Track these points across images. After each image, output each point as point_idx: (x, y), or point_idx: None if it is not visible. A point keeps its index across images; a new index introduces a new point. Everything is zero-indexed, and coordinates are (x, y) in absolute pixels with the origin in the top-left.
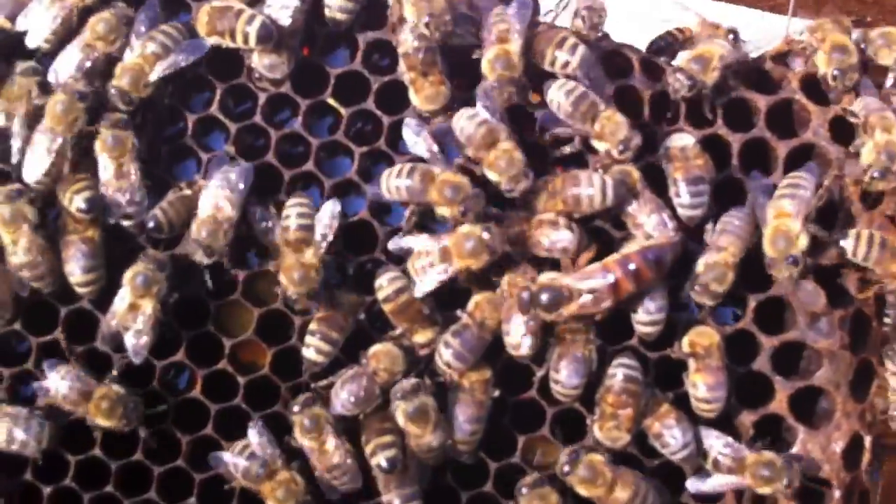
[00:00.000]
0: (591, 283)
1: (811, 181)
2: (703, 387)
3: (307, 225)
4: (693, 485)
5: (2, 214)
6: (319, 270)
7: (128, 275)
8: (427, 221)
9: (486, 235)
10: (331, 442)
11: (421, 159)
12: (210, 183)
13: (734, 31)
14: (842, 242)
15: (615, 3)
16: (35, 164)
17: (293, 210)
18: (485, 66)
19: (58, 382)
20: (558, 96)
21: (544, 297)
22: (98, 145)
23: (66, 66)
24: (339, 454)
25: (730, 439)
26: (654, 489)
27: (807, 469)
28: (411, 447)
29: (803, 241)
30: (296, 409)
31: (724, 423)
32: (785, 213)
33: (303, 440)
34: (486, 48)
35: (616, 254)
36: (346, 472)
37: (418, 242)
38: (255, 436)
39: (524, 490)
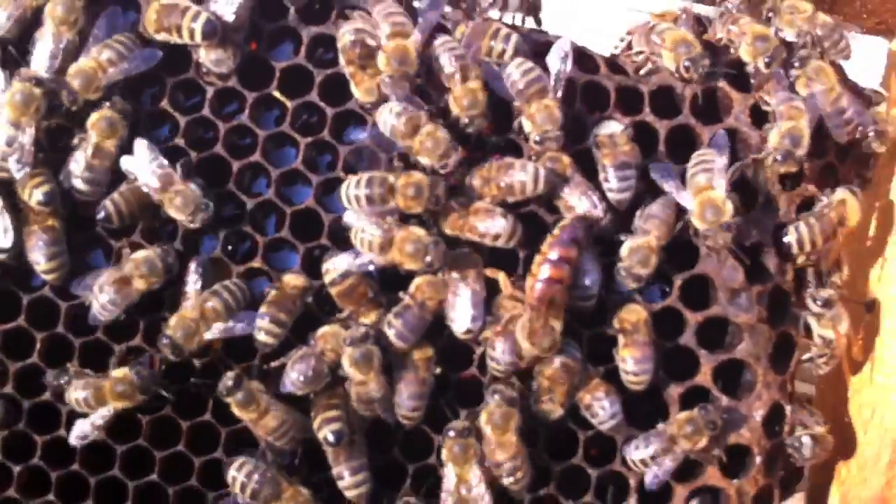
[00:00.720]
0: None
1: (719, 154)
2: (630, 361)
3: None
4: (627, 452)
5: None
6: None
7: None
8: None
9: (432, 246)
10: (269, 409)
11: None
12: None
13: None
14: (785, 240)
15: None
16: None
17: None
18: (381, 61)
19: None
20: (515, 73)
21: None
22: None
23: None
24: (275, 417)
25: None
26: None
27: (728, 431)
28: (353, 398)
29: (730, 207)
30: (227, 389)
31: (653, 395)
32: (704, 187)
33: (243, 414)
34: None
35: (538, 255)
36: (286, 430)
37: (362, 223)
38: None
39: (451, 433)
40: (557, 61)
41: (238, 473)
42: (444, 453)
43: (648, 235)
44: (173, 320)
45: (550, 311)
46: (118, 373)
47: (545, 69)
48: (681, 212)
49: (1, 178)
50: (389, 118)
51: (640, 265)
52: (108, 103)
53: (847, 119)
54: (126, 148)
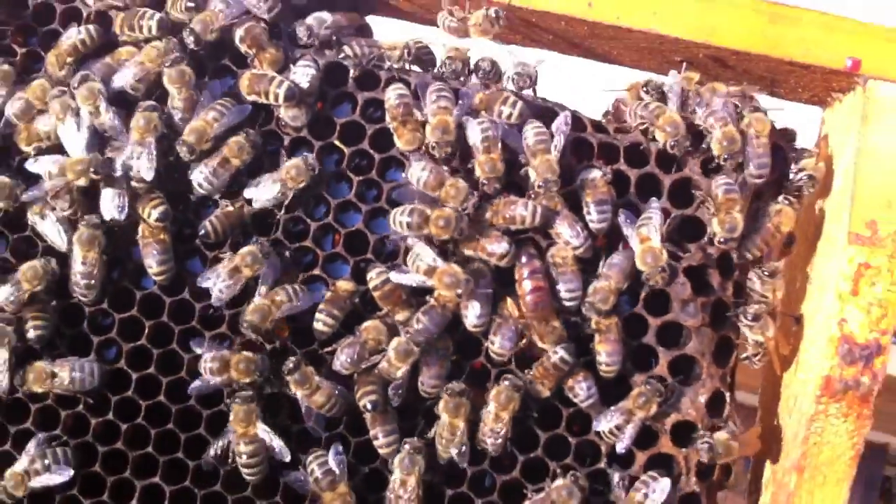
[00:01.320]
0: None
1: (657, 212)
2: (604, 353)
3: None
4: (597, 425)
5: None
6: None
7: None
8: None
9: (464, 282)
10: (319, 387)
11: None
12: None
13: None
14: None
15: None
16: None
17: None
18: (428, 131)
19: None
20: (529, 133)
21: None
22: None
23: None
24: (323, 394)
25: (610, 412)
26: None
27: (678, 409)
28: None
29: (665, 255)
30: (288, 370)
31: (621, 381)
32: (646, 238)
33: (298, 391)
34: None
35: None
36: (332, 405)
37: (421, 251)
38: (333, 455)
39: (449, 392)
40: (561, 126)
41: (311, 463)
42: (441, 405)
43: (609, 280)
44: (251, 307)
45: (546, 314)
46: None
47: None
48: None
49: None
50: (421, 175)
51: (601, 302)
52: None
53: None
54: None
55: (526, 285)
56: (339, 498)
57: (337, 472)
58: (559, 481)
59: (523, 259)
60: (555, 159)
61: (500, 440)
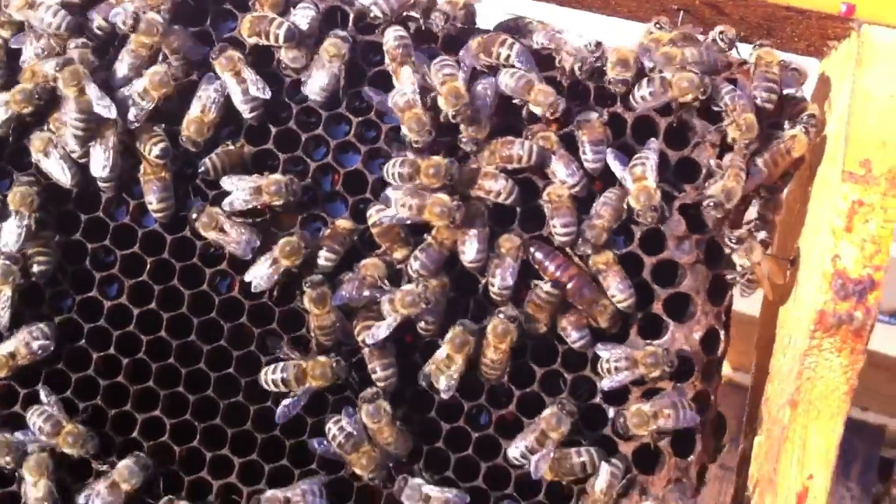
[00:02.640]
0: None
1: (653, 152)
2: (613, 287)
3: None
4: (604, 384)
5: None
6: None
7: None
8: None
9: (455, 208)
10: (331, 311)
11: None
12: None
13: None
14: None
15: None
16: None
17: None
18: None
19: None
20: (506, 80)
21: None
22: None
23: None
24: (331, 318)
25: (620, 351)
26: None
27: (677, 353)
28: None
29: (658, 195)
30: (312, 284)
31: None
32: (641, 177)
33: (312, 308)
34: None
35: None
36: (334, 330)
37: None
38: (347, 417)
39: (459, 328)
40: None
41: (332, 426)
42: (447, 337)
43: (602, 218)
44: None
45: (592, 296)
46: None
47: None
48: None
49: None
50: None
51: (594, 238)
52: None
53: None
54: None
55: (563, 281)
56: (364, 456)
57: (355, 433)
58: (547, 410)
59: (540, 255)
60: (547, 87)
61: (498, 371)
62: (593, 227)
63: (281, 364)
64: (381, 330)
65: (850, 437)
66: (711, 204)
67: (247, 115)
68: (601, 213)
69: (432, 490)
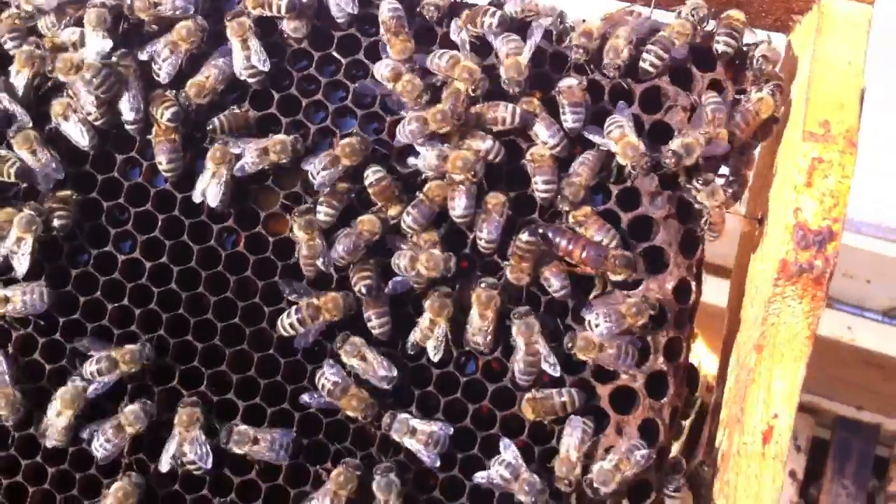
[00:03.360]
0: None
1: (624, 116)
2: (597, 237)
3: None
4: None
5: None
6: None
7: None
8: None
9: (477, 165)
10: (319, 238)
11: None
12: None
13: None
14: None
15: None
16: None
17: None
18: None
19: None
20: (499, 45)
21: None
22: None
23: None
24: (320, 243)
25: (604, 308)
26: None
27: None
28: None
29: (643, 145)
30: (300, 212)
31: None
32: (621, 136)
33: (300, 233)
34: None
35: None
36: (321, 255)
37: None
38: (329, 368)
39: (435, 294)
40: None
41: (321, 379)
42: (427, 304)
43: (580, 177)
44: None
45: (607, 265)
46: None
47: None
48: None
49: None
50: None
51: (572, 195)
52: None
53: None
54: None
55: (576, 252)
56: (353, 398)
57: (341, 380)
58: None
59: (550, 234)
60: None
61: (488, 337)
62: (571, 184)
63: (293, 308)
64: (399, 283)
65: (846, 435)
66: (669, 154)
67: (245, 79)
68: (579, 171)
69: (418, 423)
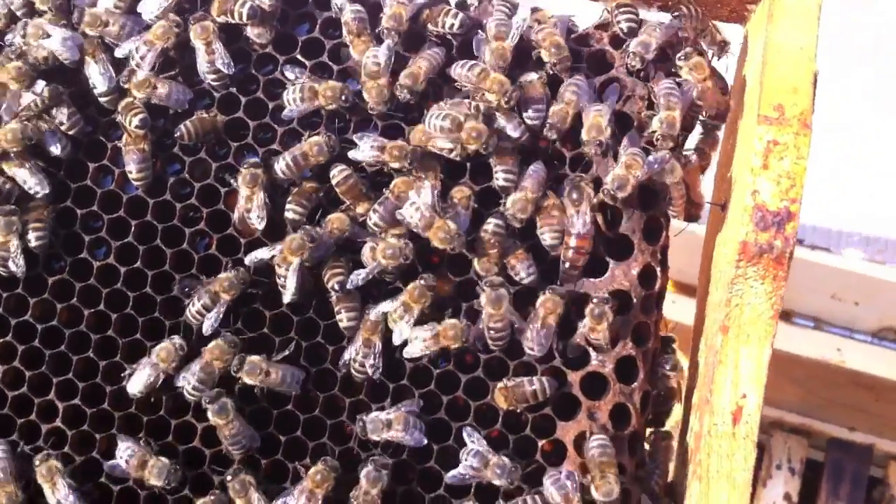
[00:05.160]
0: None
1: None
2: (547, 232)
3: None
4: None
5: None
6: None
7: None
8: None
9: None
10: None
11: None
12: None
13: None
14: None
15: None
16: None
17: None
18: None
19: None
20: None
21: None
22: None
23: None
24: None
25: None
26: None
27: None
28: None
29: (608, 132)
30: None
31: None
32: (599, 116)
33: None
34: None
35: None
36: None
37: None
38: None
39: (423, 279)
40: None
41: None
42: (407, 289)
43: (525, 191)
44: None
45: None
46: None
47: None
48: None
49: None
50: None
51: (520, 212)
52: None
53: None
54: None
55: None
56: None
57: None
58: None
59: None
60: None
61: (504, 335)
62: (518, 201)
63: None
64: (360, 276)
65: (839, 456)
66: (659, 137)
67: (208, 83)
68: (524, 185)
69: (387, 414)
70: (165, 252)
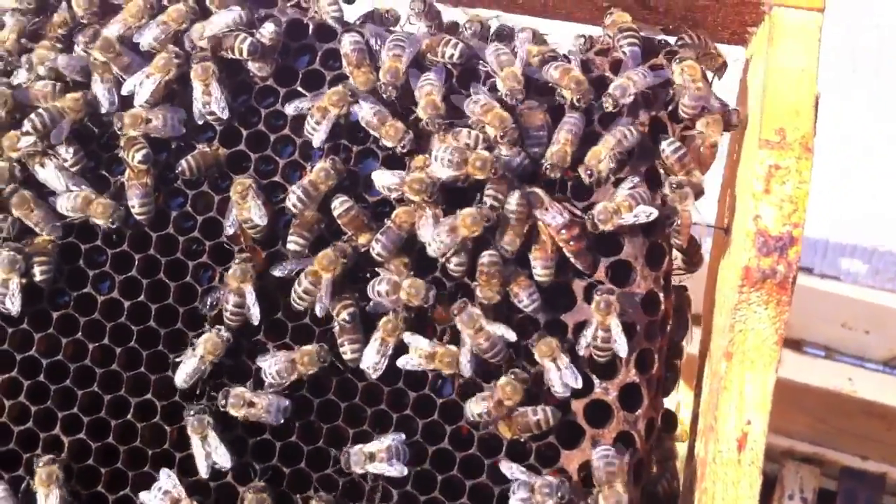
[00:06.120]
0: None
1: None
2: (539, 264)
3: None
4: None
5: None
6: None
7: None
8: None
9: (496, 163)
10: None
11: None
12: None
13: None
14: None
15: None
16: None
17: None
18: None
19: None
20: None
21: None
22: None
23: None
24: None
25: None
26: None
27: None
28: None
29: (605, 164)
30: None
31: (564, 289)
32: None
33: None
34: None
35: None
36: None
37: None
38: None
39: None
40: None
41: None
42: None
43: (560, 144)
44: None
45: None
46: None
47: None
48: None
49: None
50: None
51: (559, 161)
52: None
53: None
54: None
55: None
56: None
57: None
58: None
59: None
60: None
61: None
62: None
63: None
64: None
65: (852, 485)
66: (609, 95)
67: (200, 121)
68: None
69: (372, 446)
70: (169, 286)
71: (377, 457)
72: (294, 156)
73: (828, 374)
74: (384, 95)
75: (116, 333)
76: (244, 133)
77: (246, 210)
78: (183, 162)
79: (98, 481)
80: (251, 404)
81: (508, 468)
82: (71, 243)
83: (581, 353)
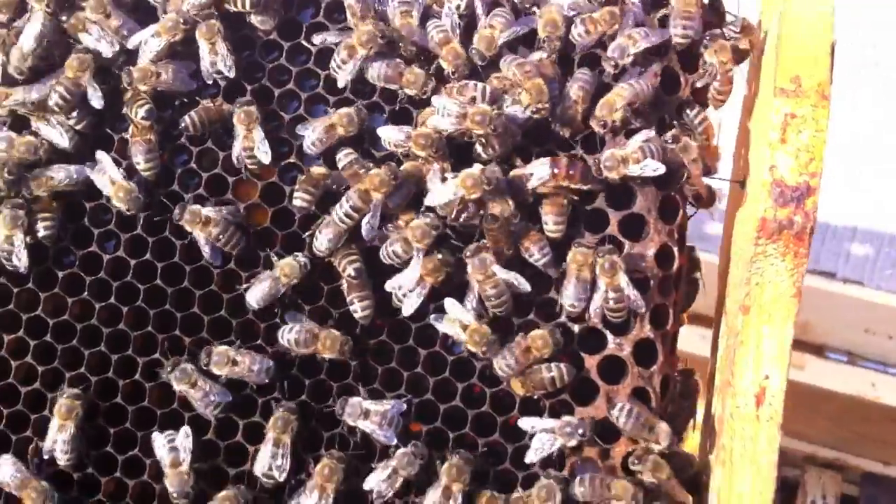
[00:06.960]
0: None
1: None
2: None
3: None
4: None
5: None
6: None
7: None
8: None
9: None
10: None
11: None
12: None
13: None
14: None
15: None
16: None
17: None
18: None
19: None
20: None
21: None
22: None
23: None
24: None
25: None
26: None
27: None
28: None
29: (619, 113)
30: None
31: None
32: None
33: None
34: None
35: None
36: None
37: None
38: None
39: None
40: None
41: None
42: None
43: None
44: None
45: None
46: None
47: None
48: None
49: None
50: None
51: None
52: None
53: None
54: None
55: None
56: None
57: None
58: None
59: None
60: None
61: (504, 300)
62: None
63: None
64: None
65: (874, 491)
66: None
67: (209, 80)
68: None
69: (371, 404)
70: (175, 244)
71: (371, 417)
72: (299, 110)
73: (850, 379)
74: (404, 53)
75: (122, 293)
76: (248, 89)
77: (250, 140)
78: (186, 118)
79: (106, 442)
80: (234, 363)
81: (529, 424)
82: (75, 202)
83: (594, 320)
